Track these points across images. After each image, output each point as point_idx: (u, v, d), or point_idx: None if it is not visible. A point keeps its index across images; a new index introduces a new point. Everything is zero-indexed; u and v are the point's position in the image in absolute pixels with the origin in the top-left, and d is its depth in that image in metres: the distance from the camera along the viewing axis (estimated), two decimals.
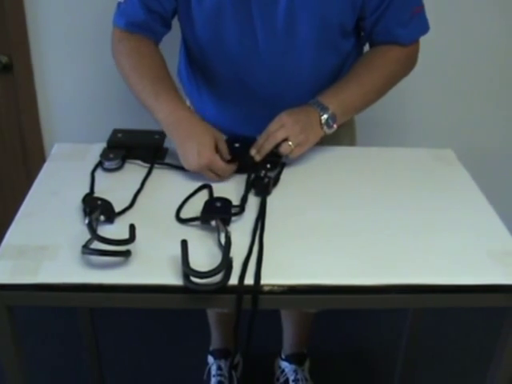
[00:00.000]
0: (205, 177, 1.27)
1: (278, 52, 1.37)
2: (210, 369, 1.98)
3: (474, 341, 2.19)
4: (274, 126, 1.29)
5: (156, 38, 1.42)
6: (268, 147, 1.29)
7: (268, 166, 1.27)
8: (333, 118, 1.32)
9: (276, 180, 1.27)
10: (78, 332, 1.72)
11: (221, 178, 1.28)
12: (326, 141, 1.39)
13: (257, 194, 1.23)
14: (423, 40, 1.43)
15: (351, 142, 1.61)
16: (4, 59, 1.94)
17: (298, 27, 1.33)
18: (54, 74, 1.97)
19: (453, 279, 1.03)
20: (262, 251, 1.05)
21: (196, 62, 1.49)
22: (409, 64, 1.46)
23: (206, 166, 1.25)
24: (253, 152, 1.30)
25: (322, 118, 1.31)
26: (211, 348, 2.02)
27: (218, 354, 1.99)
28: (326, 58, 1.41)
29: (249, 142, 1.33)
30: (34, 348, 2.04)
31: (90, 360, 1.79)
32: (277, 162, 1.29)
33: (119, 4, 1.39)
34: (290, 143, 1.28)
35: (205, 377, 1.99)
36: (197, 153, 1.24)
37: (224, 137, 1.33)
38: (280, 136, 1.28)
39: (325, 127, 1.32)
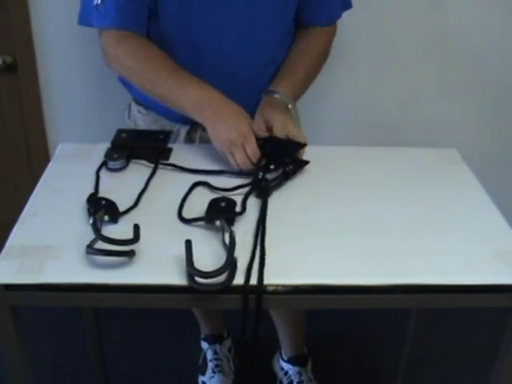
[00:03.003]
0: (208, 177, 1.28)
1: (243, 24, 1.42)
2: (205, 354, 2.01)
3: (477, 341, 2.18)
4: (278, 127, 1.34)
5: (145, 32, 1.41)
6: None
7: (271, 167, 1.27)
8: (293, 106, 1.44)
9: (278, 183, 1.25)
10: (82, 332, 1.73)
11: (246, 162, 1.27)
12: None
13: (257, 196, 1.22)
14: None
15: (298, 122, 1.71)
16: (8, 59, 1.94)
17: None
18: (58, 75, 1.97)
19: (457, 279, 1.03)
20: (264, 254, 1.05)
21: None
22: (331, 44, 1.60)
23: (243, 138, 1.27)
24: None
25: (289, 106, 1.42)
26: (203, 335, 2.05)
27: (211, 340, 2.02)
28: (278, 29, 1.50)
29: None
30: (37, 348, 2.04)
31: (94, 360, 1.79)
32: (280, 163, 1.28)
33: (97, 6, 1.36)
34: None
35: (200, 362, 2.01)
36: (234, 127, 1.27)
37: None
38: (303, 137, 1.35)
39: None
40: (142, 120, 1.57)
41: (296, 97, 1.48)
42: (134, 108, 1.60)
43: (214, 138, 1.30)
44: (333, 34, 1.59)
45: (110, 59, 1.41)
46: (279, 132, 1.32)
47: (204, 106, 1.31)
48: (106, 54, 1.41)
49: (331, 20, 1.57)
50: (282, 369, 1.98)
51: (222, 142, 1.28)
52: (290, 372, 1.95)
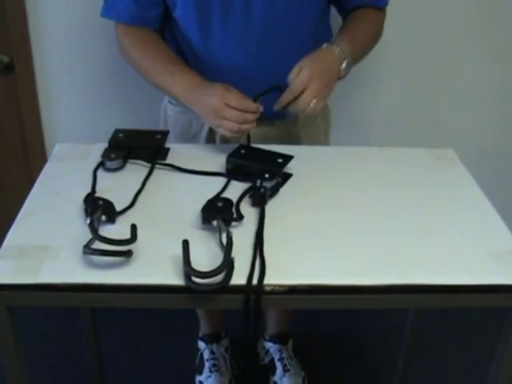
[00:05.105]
0: (204, 177, 1.28)
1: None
2: (202, 354, 2.02)
3: (474, 341, 2.18)
4: (302, 78, 1.27)
5: (154, 25, 1.47)
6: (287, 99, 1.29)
7: (266, 175, 1.25)
8: (349, 65, 1.35)
9: (274, 191, 1.23)
10: (79, 332, 1.73)
11: (234, 126, 1.29)
12: (304, 127, 1.54)
13: (253, 205, 1.20)
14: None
15: (326, 129, 1.69)
16: (5, 59, 1.94)
17: None
18: (55, 74, 1.97)
19: (453, 279, 1.03)
20: (263, 254, 1.05)
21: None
22: (383, 28, 1.54)
23: (221, 98, 1.28)
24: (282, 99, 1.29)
25: (343, 65, 1.34)
26: (201, 334, 2.06)
27: (208, 339, 2.03)
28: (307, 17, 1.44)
29: (252, 150, 1.33)
30: (34, 348, 2.04)
31: (91, 359, 1.79)
32: (276, 172, 1.26)
33: None
34: (315, 101, 1.28)
35: (197, 361, 2.01)
36: (211, 94, 1.30)
37: None
38: (308, 96, 1.27)
39: (342, 73, 1.35)
40: (171, 110, 1.61)
41: (354, 54, 1.37)
42: (166, 98, 1.63)
43: (203, 115, 1.35)
44: (384, 18, 1.54)
45: (121, 49, 1.50)
46: (295, 84, 1.27)
47: (191, 90, 1.36)
48: (118, 43, 1.50)
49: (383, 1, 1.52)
50: (264, 347, 2.00)
51: (207, 113, 1.32)
52: (270, 350, 1.97)
